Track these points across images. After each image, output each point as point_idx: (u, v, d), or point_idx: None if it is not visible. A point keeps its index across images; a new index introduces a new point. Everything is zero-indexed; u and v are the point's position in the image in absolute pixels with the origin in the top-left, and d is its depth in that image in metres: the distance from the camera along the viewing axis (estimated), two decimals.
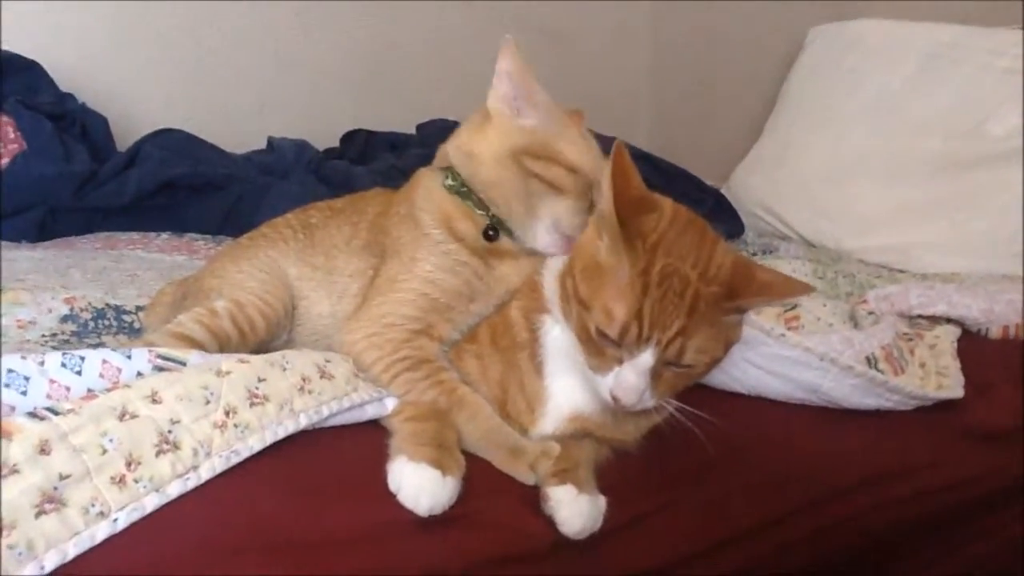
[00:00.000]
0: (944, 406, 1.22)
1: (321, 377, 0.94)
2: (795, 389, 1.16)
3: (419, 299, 1.04)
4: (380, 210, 1.18)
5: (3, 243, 1.80)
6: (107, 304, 1.29)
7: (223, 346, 1.03)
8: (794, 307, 1.38)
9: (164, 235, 1.96)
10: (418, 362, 1.00)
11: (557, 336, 0.99)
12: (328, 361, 0.97)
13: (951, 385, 1.24)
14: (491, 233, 1.08)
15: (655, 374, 0.90)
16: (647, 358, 0.88)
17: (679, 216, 0.94)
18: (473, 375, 1.03)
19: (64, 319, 1.24)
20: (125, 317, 1.29)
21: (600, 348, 0.91)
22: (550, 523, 0.89)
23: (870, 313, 1.40)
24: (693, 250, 0.90)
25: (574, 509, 0.89)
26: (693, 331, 0.88)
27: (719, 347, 0.92)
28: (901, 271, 1.90)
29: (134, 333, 1.26)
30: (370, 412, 0.97)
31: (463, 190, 1.09)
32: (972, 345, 1.40)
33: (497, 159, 1.07)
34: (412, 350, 1.01)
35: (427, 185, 1.13)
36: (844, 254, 2.04)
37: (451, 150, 1.12)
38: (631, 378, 0.89)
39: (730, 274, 0.90)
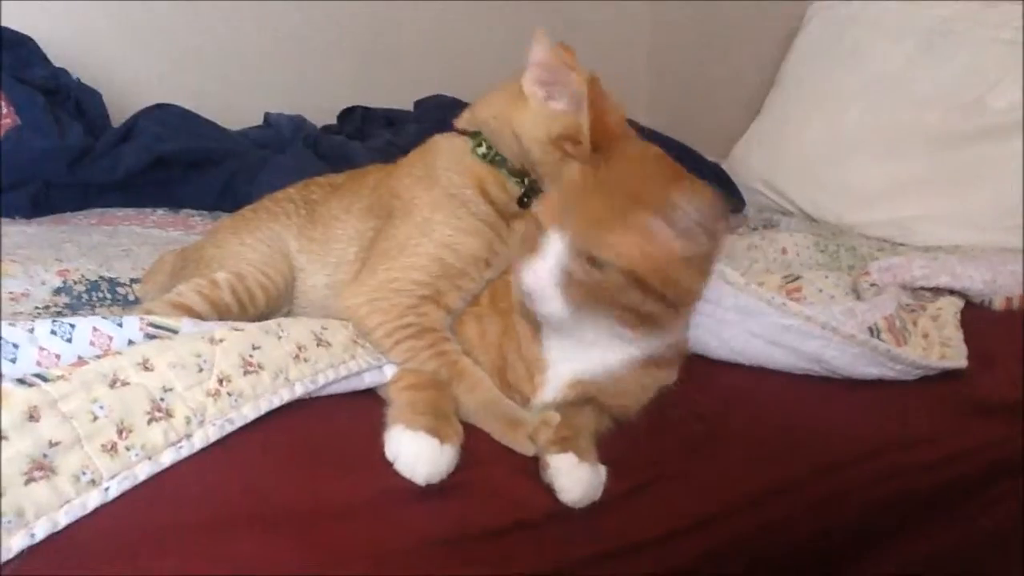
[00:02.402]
0: (947, 377, 1.20)
1: (317, 345, 0.93)
2: (798, 359, 1.14)
3: (432, 264, 1.02)
4: (385, 174, 1.17)
5: None
6: (101, 276, 1.28)
7: (222, 317, 1.01)
8: (797, 279, 1.37)
9: (159, 211, 1.94)
10: (422, 330, 0.99)
11: None
12: (325, 329, 0.96)
13: (954, 355, 1.23)
14: (526, 200, 1.09)
15: (568, 276, 0.88)
16: (558, 243, 0.88)
17: (647, 151, 0.96)
18: (473, 339, 1.02)
19: (57, 291, 1.22)
20: (119, 289, 1.28)
21: (532, 242, 0.91)
22: (549, 492, 0.87)
23: (872, 285, 1.39)
24: (645, 170, 0.90)
25: (574, 477, 0.87)
26: (612, 226, 0.87)
27: (641, 258, 0.87)
28: (902, 244, 1.89)
29: (128, 305, 1.25)
30: (368, 380, 0.96)
31: (498, 158, 1.10)
32: (975, 316, 1.39)
33: (540, 144, 1.08)
34: (417, 317, 1.00)
35: (453, 149, 1.13)
36: (845, 228, 2.03)
37: (486, 118, 1.12)
38: (540, 263, 0.89)
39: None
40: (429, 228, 1.05)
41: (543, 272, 0.89)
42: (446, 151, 1.13)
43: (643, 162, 0.93)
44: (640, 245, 0.87)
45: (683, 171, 0.94)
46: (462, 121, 1.15)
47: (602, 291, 0.88)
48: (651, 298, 0.88)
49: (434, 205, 1.07)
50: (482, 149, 1.10)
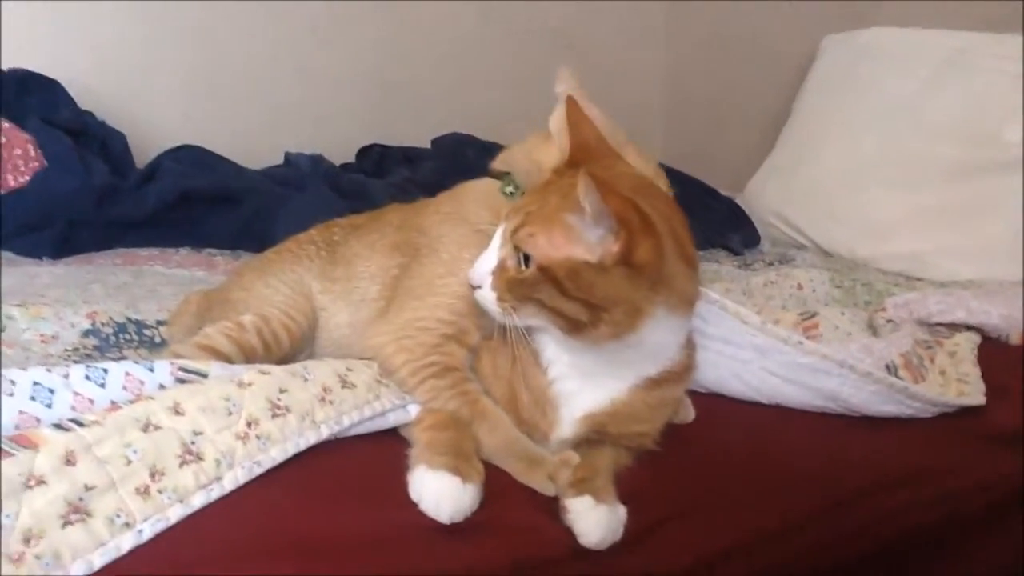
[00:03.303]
0: (965, 412, 1.21)
1: (343, 387, 0.95)
2: (815, 397, 1.15)
3: (458, 302, 1.04)
4: (411, 213, 1.20)
5: (24, 260, 1.81)
6: (128, 318, 1.30)
7: (248, 359, 1.03)
8: (813, 315, 1.38)
9: (183, 250, 1.97)
10: (445, 369, 1.00)
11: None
12: (350, 370, 0.98)
13: (972, 392, 1.24)
14: None
15: (503, 268, 0.92)
16: (498, 237, 0.94)
17: (615, 166, 0.98)
18: (487, 373, 1.03)
19: (86, 333, 1.25)
20: (146, 331, 1.30)
21: None
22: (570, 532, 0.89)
23: (888, 321, 1.40)
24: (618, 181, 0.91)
25: (592, 520, 0.88)
26: (539, 221, 0.90)
27: (555, 254, 0.88)
28: (918, 279, 1.89)
29: (155, 347, 1.27)
30: (392, 419, 0.98)
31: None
32: (992, 351, 1.39)
33: None
34: (441, 356, 1.01)
35: (483, 190, 1.16)
36: (860, 262, 2.03)
37: (517, 158, 1.16)
38: (485, 254, 0.95)
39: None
40: (456, 266, 1.06)
41: (484, 263, 0.94)
42: (476, 191, 1.16)
43: (599, 170, 0.92)
44: (556, 242, 0.89)
45: (636, 188, 0.94)
46: (496, 162, 1.18)
47: (527, 287, 0.90)
48: (566, 298, 0.88)
49: (461, 243, 1.08)
50: (509, 188, 1.13)
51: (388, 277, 1.13)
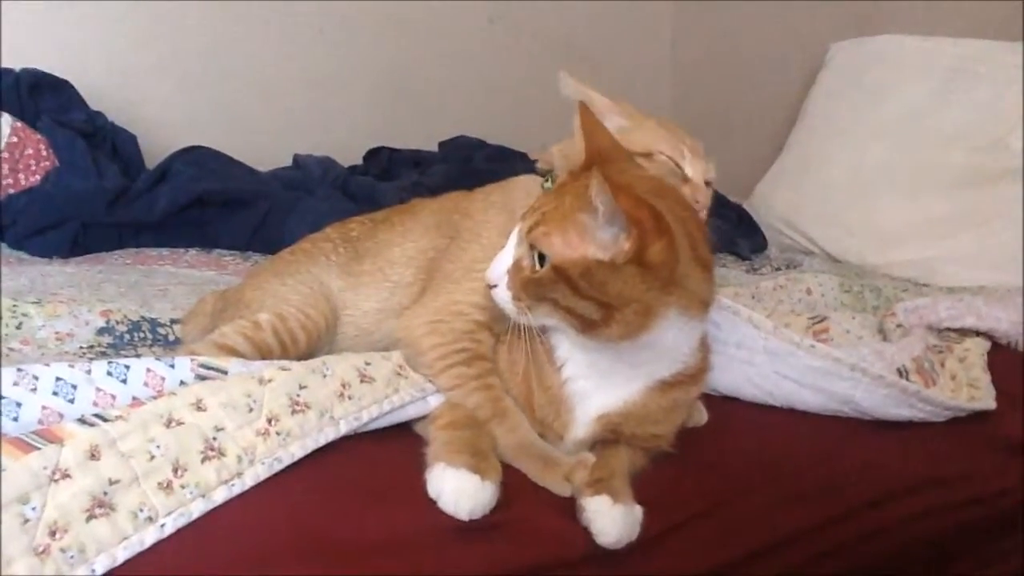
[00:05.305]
0: (976, 418, 1.21)
1: (361, 381, 0.95)
2: (828, 400, 1.16)
3: None
4: (449, 200, 1.22)
5: (35, 259, 1.83)
6: (142, 317, 1.31)
7: (265, 358, 1.03)
8: (823, 320, 1.38)
9: (192, 251, 1.98)
10: (474, 357, 1.01)
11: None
12: (368, 364, 0.98)
13: (983, 397, 1.24)
14: None
15: (519, 267, 0.93)
16: (514, 236, 0.95)
17: (629, 169, 1.00)
18: (504, 369, 1.04)
19: (101, 331, 1.25)
20: (160, 330, 1.30)
21: None
22: (587, 531, 0.89)
23: (898, 326, 1.40)
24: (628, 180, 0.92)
25: (609, 519, 0.89)
26: (554, 220, 0.90)
27: (569, 253, 0.89)
28: (926, 285, 1.90)
29: (168, 345, 1.28)
30: (411, 412, 0.98)
31: None
32: (1002, 357, 1.39)
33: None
34: (471, 343, 1.02)
35: (529, 184, 1.18)
36: (868, 269, 2.04)
37: (557, 156, 1.18)
38: (502, 253, 0.96)
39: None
40: (495, 253, 1.06)
41: (500, 262, 0.95)
42: (523, 186, 1.18)
43: (614, 173, 0.94)
44: (570, 241, 0.89)
45: (651, 190, 0.95)
46: (541, 160, 1.21)
47: (542, 286, 0.91)
48: (579, 297, 0.89)
49: (502, 229, 1.08)
50: (548, 184, 1.14)
51: (424, 259, 1.14)
